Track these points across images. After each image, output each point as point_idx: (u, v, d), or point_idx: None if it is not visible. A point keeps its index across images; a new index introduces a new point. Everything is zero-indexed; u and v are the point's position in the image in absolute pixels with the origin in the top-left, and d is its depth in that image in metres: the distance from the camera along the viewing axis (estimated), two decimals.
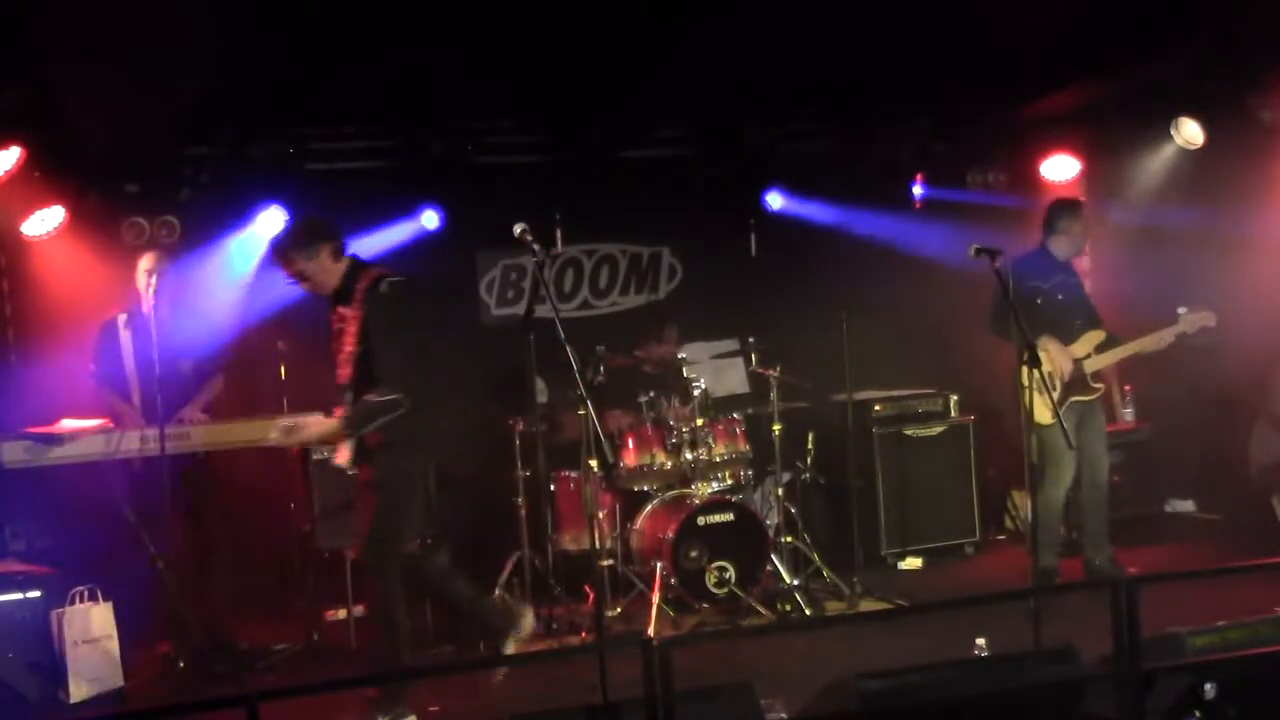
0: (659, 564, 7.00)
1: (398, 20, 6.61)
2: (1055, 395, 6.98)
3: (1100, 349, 7.29)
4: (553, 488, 7.47)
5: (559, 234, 8.50)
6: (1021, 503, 8.64)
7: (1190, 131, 8.13)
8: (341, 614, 7.32)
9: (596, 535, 6.40)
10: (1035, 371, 5.96)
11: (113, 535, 6.66)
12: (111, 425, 6.49)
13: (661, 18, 6.77)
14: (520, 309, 8.68)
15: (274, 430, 5.84)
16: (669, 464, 7.45)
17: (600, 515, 7.05)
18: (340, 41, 6.69)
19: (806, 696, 4.24)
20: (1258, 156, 7.92)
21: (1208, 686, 4.09)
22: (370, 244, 7.91)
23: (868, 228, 9.16)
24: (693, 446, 7.41)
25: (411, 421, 5.59)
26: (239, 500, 7.16)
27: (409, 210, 8.47)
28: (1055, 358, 7.14)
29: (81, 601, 6.26)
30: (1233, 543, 8.13)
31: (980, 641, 5.34)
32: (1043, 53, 7.58)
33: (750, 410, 8.17)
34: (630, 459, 7.43)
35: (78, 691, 6.17)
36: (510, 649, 5.99)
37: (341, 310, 5.70)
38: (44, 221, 7.37)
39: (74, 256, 7.52)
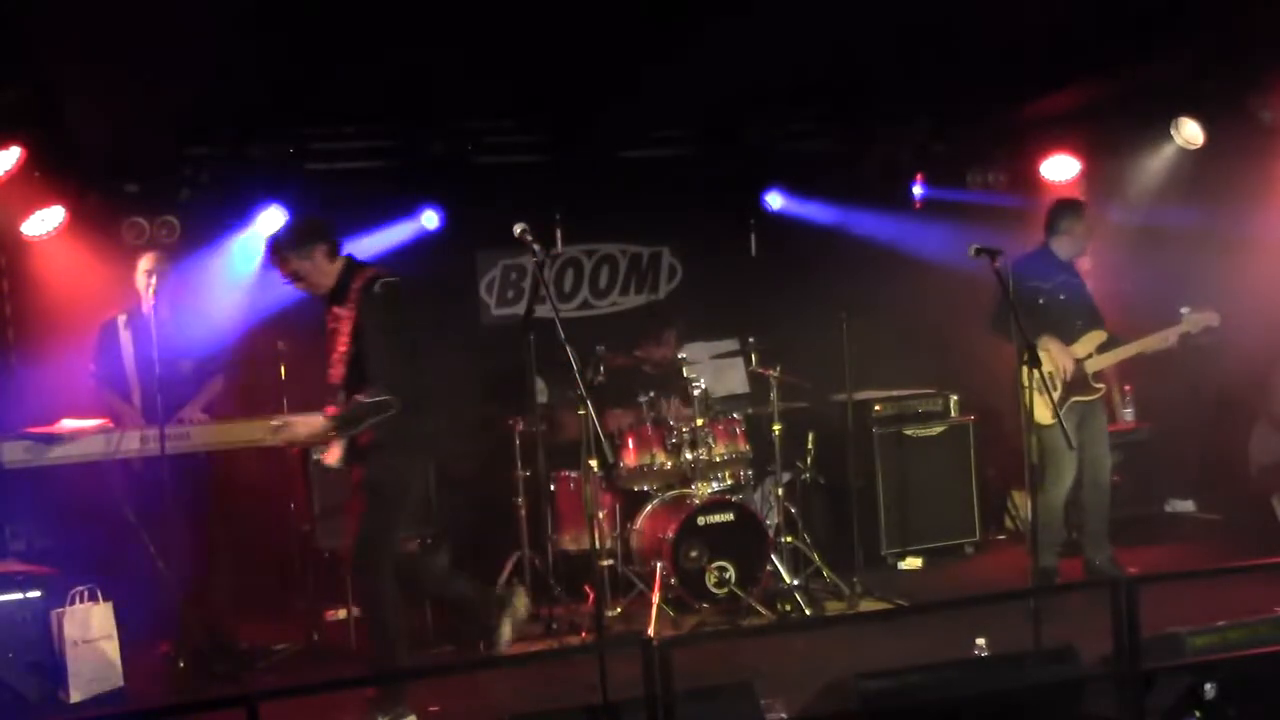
0: (659, 564, 7.00)
1: (398, 20, 6.61)
2: (1056, 395, 6.98)
3: (1102, 349, 7.29)
4: (553, 488, 7.47)
5: (559, 234, 8.50)
6: (1021, 503, 8.64)
7: (1190, 131, 8.13)
8: (341, 614, 7.31)
9: (596, 535, 6.40)
10: (1035, 371, 5.96)
11: (113, 535, 6.66)
12: (111, 425, 6.49)
13: (662, 18, 6.77)
14: (520, 309, 8.68)
15: (263, 430, 5.85)
16: (669, 464, 7.45)
17: (600, 515, 7.05)
18: (340, 41, 6.69)
19: (806, 696, 4.24)
20: (1258, 156, 7.92)
21: (1208, 686, 4.09)
22: (370, 244, 7.92)
23: (868, 228, 9.16)
24: (693, 446, 7.41)
25: (404, 423, 5.58)
26: (239, 500, 7.16)
27: (409, 210, 8.47)
28: (1056, 358, 7.14)
29: (81, 601, 6.26)
30: (1233, 543, 8.13)
31: (980, 641, 5.34)
32: (1043, 53, 7.58)
33: (750, 410, 8.17)
34: (630, 459, 7.43)
35: (78, 691, 6.17)
36: (507, 631, 5.98)
37: (336, 310, 5.71)
38: (44, 221, 7.37)
39: (74, 256, 7.52)
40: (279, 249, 5.76)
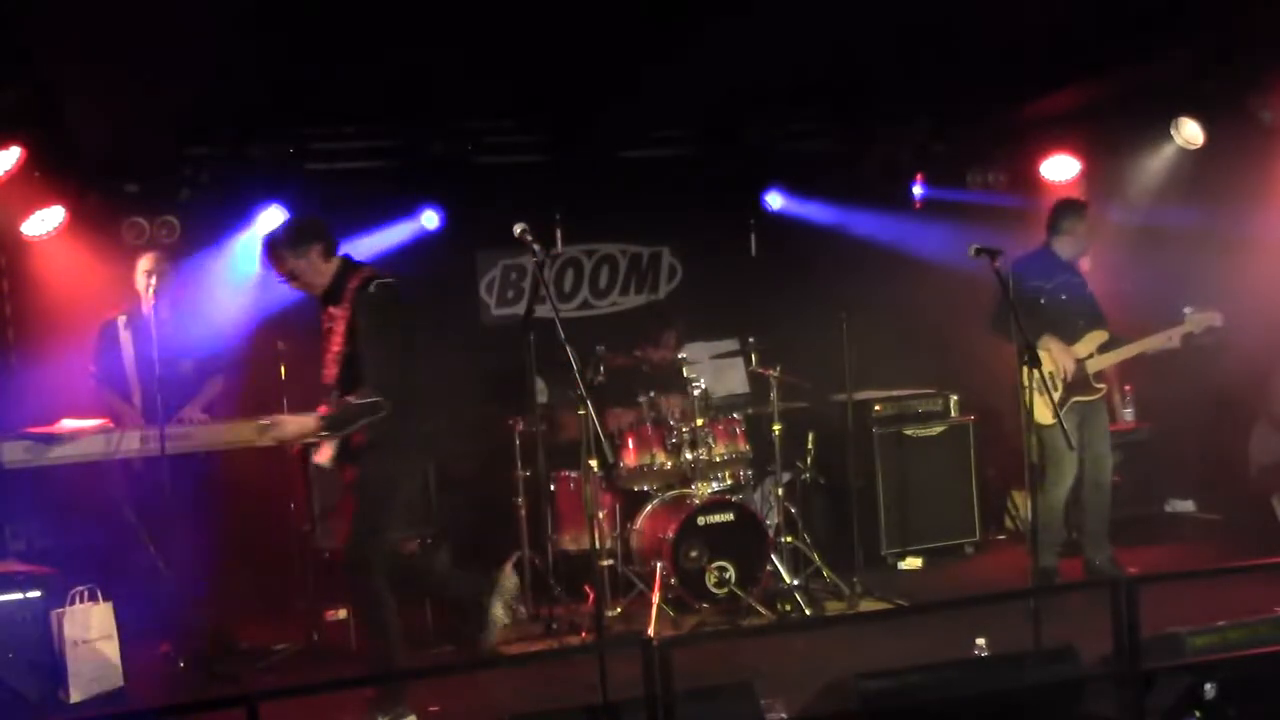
0: (659, 564, 7.00)
1: (398, 20, 6.61)
2: (1056, 396, 6.98)
3: (1103, 349, 7.29)
4: (553, 488, 7.47)
5: (559, 234, 8.50)
6: (1021, 503, 8.64)
7: (1190, 131, 8.13)
8: (342, 614, 7.30)
9: (596, 535, 6.39)
10: (1035, 372, 5.96)
11: (113, 535, 6.67)
12: (111, 425, 6.49)
13: (661, 18, 6.77)
14: (520, 309, 8.68)
15: (251, 429, 5.86)
16: (669, 464, 7.45)
17: (600, 515, 7.05)
18: (340, 41, 6.69)
19: (806, 696, 4.24)
20: (1258, 156, 7.91)
21: (1208, 686, 4.09)
22: (370, 244, 7.93)
23: (868, 228, 9.16)
24: (693, 446, 7.41)
25: (396, 424, 5.57)
26: (239, 500, 7.16)
27: (409, 210, 8.47)
28: (1057, 357, 7.14)
29: (81, 601, 6.26)
30: (1233, 543, 8.13)
31: (980, 641, 5.34)
32: (1043, 53, 7.58)
33: (750, 410, 8.17)
34: (630, 459, 7.43)
35: (78, 691, 6.17)
36: (499, 611, 5.97)
37: (331, 310, 5.70)
38: (44, 221, 7.37)
39: (74, 256, 7.52)
40: (275, 247, 5.76)
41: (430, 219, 8.52)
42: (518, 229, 5.58)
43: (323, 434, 5.61)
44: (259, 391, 7.52)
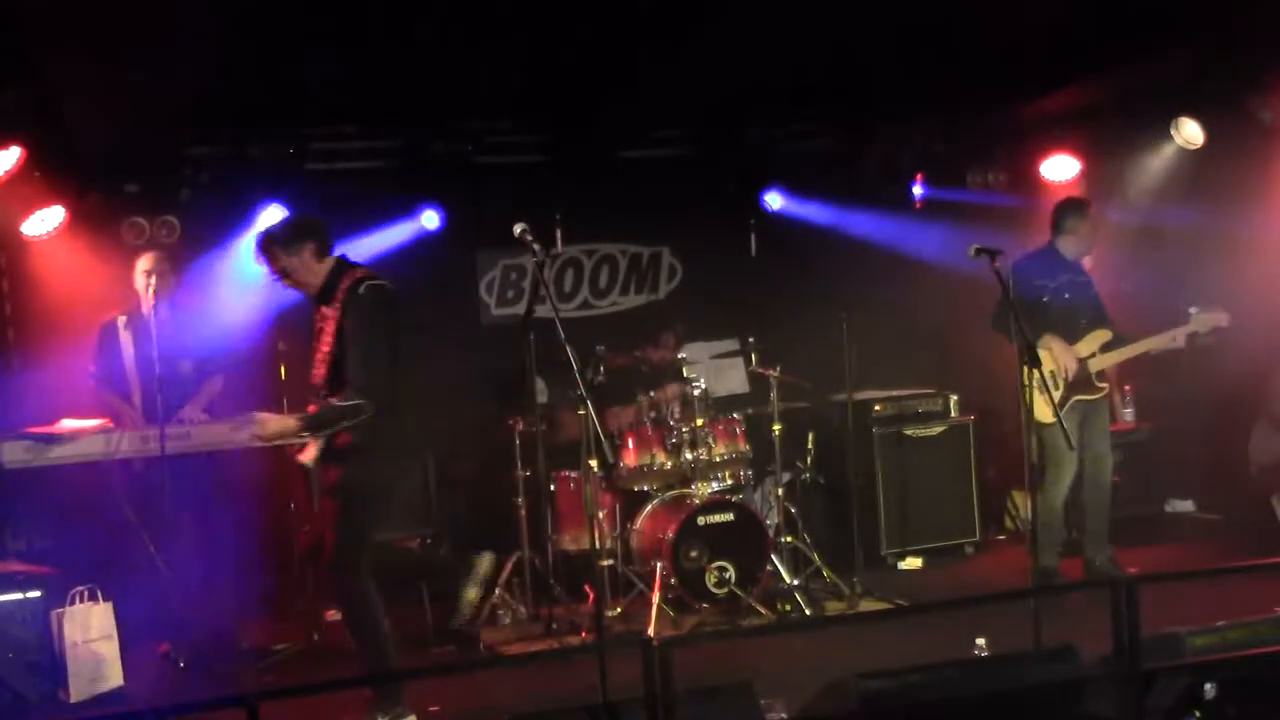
0: (659, 564, 7.00)
1: (398, 20, 6.61)
2: (1057, 395, 6.98)
3: (1106, 348, 7.29)
4: (553, 488, 7.47)
5: (559, 234, 8.50)
6: (1021, 503, 8.64)
7: (1190, 131, 8.13)
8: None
9: (596, 535, 6.39)
10: (1036, 371, 5.95)
11: (113, 535, 6.66)
12: (111, 425, 6.49)
13: (661, 17, 6.77)
14: (520, 309, 8.69)
15: (230, 427, 5.86)
16: (669, 464, 7.45)
17: (600, 515, 7.04)
18: (340, 42, 6.69)
19: (806, 696, 4.23)
20: (1258, 156, 7.92)
21: (1208, 686, 4.09)
22: (370, 244, 7.93)
23: (868, 228, 9.16)
24: (693, 446, 7.41)
25: (382, 427, 5.52)
26: (239, 500, 7.15)
27: (409, 210, 8.48)
28: (1059, 357, 7.14)
29: (81, 601, 6.26)
30: (1233, 543, 8.13)
31: (980, 641, 5.35)
32: (1043, 53, 7.57)
33: (750, 410, 8.16)
34: (630, 459, 7.43)
35: (78, 691, 6.17)
36: (470, 593, 5.93)
37: (324, 310, 5.68)
38: (44, 221, 7.37)
39: (74, 256, 7.52)
40: (268, 244, 5.74)
41: (430, 219, 8.52)
42: (518, 229, 5.57)
43: (304, 435, 5.59)
44: (259, 392, 7.52)
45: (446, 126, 8.36)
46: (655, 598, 6.88)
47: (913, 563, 8.38)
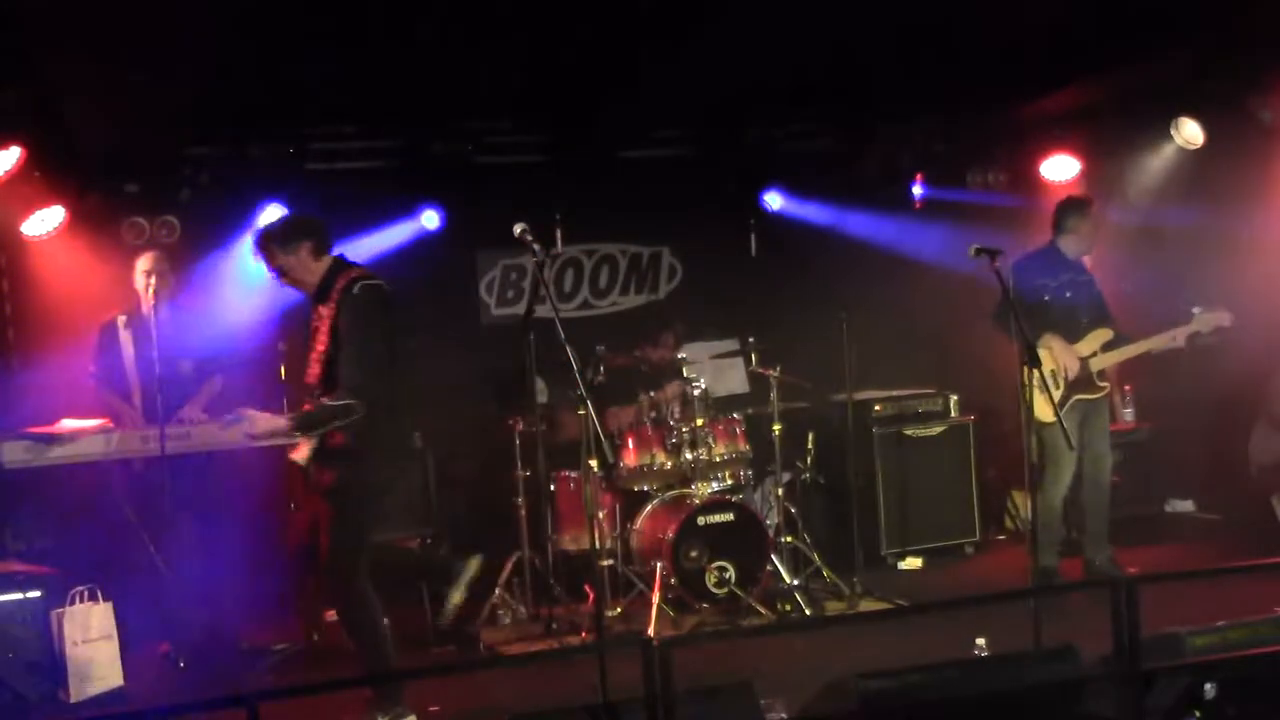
0: (659, 564, 7.00)
1: (398, 20, 6.61)
2: (1057, 394, 6.98)
3: (1107, 347, 7.28)
4: (553, 488, 7.47)
5: (559, 234, 8.50)
6: (1021, 503, 8.64)
7: (1190, 131, 8.13)
8: None
9: (596, 535, 6.40)
10: (1036, 371, 5.95)
11: (113, 535, 6.66)
12: (111, 425, 6.48)
13: (661, 17, 6.77)
14: (520, 309, 8.69)
15: (219, 426, 5.87)
16: (669, 464, 7.45)
17: (600, 515, 7.05)
18: (340, 42, 6.69)
19: (806, 696, 4.24)
20: (1258, 156, 7.92)
21: (1208, 686, 4.09)
22: (370, 244, 7.93)
23: (867, 228, 9.17)
24: (693, 446, 7.41)
25: (375, 427, 5.50)
26: (239, 500, 7.15)
27: (409, 210, 8.48)
28: (1059, 356, 7.14)
29: (81, 601, 6.26)
30: (1233, 543, 8.13)
31: (980, 641, 5.34)
32: (1043, 53, 7.57)
33: (750, 410, 8.17)
34: (630, 459, 7.43)
35: (78, 691, 6.17)
36: (455, 595, 5.92)
37: (320, 309, 5.68)
38: (44, 221, 7.37)
39: (74, 256, 7.52)
40: (265, 242, 5.74)
41: (430, 219, 8.52)
42: (518, 229, 5.57)
43: (294, 434, 5.58)
44: (259, 392, 7.52)
45: (446, 126, 8.36)
46: (655, 598, 6.88)
47: (913, 563, 8.38)
